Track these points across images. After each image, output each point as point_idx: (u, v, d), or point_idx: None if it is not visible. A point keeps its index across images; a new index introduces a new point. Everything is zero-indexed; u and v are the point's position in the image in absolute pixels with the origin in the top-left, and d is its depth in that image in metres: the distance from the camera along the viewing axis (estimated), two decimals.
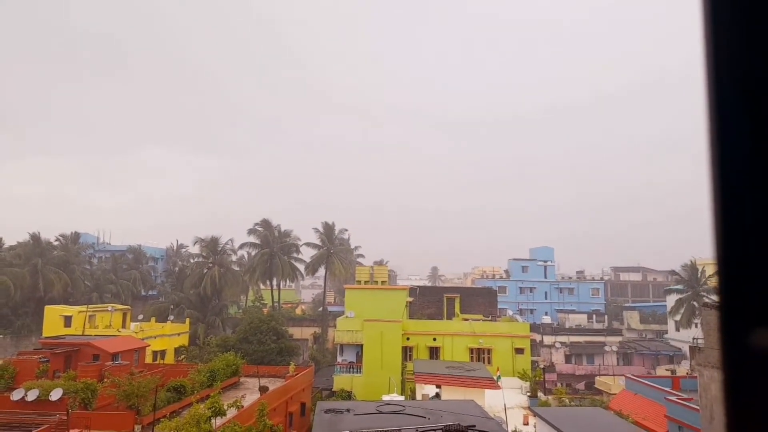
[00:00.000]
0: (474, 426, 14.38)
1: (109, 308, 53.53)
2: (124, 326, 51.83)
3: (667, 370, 51.11)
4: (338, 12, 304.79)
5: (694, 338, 45.43)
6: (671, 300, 60.55)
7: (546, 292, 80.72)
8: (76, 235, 75.85)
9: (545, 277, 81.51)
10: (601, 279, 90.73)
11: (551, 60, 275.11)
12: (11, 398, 24.42)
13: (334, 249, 67.58)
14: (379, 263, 77.07)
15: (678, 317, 56.54)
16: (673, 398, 27.64)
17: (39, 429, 20.68)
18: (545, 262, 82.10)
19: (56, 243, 71.36)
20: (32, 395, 24.20)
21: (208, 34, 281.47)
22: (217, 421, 22.02)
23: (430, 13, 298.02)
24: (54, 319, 50.36)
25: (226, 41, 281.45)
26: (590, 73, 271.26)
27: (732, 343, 0.77)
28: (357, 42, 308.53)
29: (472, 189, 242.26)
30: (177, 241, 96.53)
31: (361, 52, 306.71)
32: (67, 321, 49.99)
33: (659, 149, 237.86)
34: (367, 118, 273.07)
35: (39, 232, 64.89)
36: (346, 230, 72.03)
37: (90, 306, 53.74)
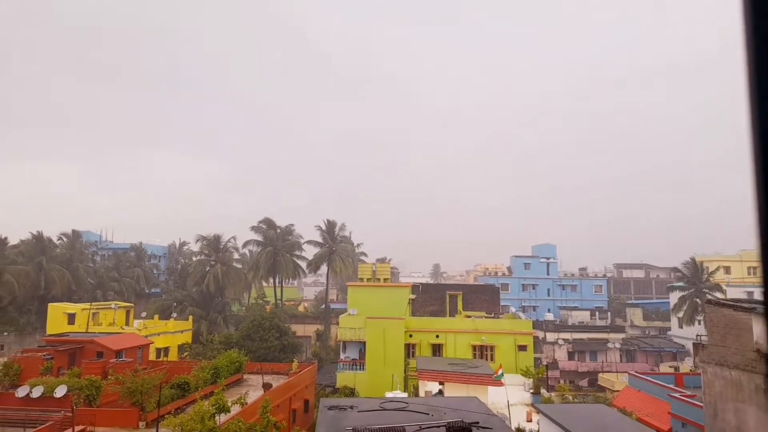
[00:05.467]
0: (477, 423, 14.39)
1: (113, 306, 53.66)
2: (127, 324, 51.99)
3: (670, 367, 51.10)
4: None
5: (697, 335, 45.35)
6: (674, 297, 60.48)
7: (548, 289, 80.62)
8: (78, 234, 76.04)
9: (548, 274, 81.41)
10: (604, 276, 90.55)
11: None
12: (16, 395, 24.55)
13: (336, 247, 67.65)
14: (382, 260, 77.11)
15: (681, 314, 56.49)
16: (677, 395, 27.62)
17: (44, 426, 20.77)
18: (548, 259, 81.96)
19: (59, 241, 71.57)
20: (37, 392, 24.31)
21: (218, 34, 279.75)
22: (221, 418, 22.11)
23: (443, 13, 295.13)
24: (58, 317, 50.52)
25: (237, 41, 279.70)
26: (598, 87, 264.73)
27: None
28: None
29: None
30: (179, 239, 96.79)
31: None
32: (71, 318, 50.15)
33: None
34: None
35: (42, 231, 65.16)
36: (346, 226, 72.12)
37: (93, 303, 53.90)
